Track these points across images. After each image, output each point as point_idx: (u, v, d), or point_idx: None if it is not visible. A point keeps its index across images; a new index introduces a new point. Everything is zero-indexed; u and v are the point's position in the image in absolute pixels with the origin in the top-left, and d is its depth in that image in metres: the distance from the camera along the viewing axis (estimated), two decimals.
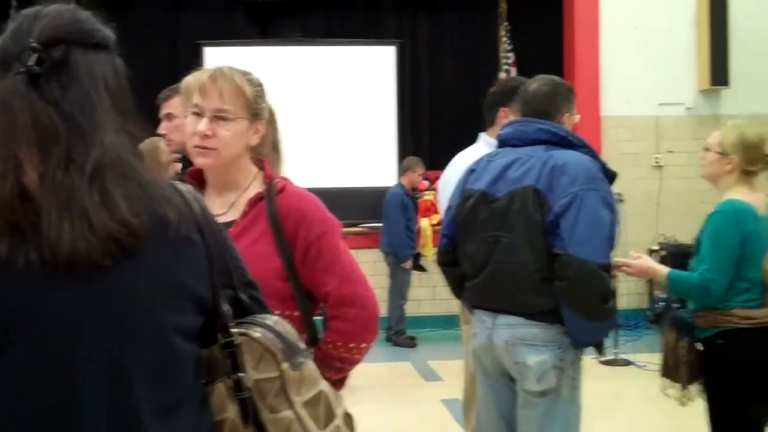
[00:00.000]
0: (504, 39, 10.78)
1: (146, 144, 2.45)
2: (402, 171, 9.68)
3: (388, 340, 9.44)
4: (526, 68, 8.67)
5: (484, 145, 4.13)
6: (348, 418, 1.61)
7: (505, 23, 10.77)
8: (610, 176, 3.39)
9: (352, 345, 2.38)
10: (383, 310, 9.41)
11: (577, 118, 3.52)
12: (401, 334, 9.49)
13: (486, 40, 10.99)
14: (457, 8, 11.15)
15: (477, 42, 11.10)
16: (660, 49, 10.56)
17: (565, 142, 3.38)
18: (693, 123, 10.62)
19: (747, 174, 3.79)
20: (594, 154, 3.40)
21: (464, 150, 4.30)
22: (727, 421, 3.69)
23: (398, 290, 9.45)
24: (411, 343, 9.43)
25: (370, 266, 8.81)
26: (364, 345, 2.41)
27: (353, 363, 2.42)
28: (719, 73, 10.43)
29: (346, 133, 10.65)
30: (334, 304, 2.38)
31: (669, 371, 3.85)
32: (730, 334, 3.62)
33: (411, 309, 9.71)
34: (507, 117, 4.03)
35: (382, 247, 9.43)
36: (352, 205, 10.25)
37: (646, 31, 10.57)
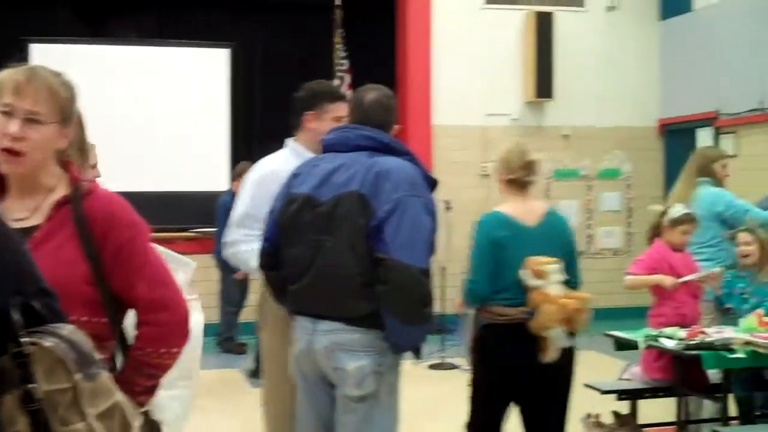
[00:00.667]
0: (338, 46, 10.82)
1: None
2: (234, 176, 9.55)
3: (218, 345, 9.31)
4: (360, 76, 8.74)
5: (290, 151, 4.09)
6: (151, 426, 1.56)
7: (340, 30, 10.81)
8: (432, 183, 3.44)
9: (163, 350, 2.34)
10: (214, 316, 9.29)
11: (397, 127, 3.59)
12: (231, 340, 9.38)
13: (321, 47, 11.00)
14: (293, 14, 11.13)
15: (312, 48, 11.10)
16: (488, 61, 10.88)
17: (388, 148, 3.43)
18: (518, 133, 10.96)
19: (514, 184, 4.24)
20: (416, 161, 3.45)
21: (270, 155, 4.24)
22: (473, 409, 4.46)
23: (227, 297, 9.34)
24: (241, 349, 9.34)
25: (202, 272, 8.58)
26: (175, 350, 2.36)
27: (165, 369, 2.37)
28: (543, 86, 10.83)
29: (178, 136, 10.46)
30: (144, 308, 2.33)
31: None
32: (489, 327, 4.18)
33: (250, 314, 9.59)
34: (311, 122, 4.02)
35: (214, 253, 9.28)
36: (185, 209, 10.09)
37: (475, 44, 10.87)
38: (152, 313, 2.33)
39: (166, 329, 2.35)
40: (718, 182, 6.19)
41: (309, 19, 11.12)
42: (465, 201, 10.44)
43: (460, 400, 7.27)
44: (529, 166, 4.29)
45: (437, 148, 10.77)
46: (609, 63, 11.29)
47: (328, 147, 3.52)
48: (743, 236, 5.55)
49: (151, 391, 2.36)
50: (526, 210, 4.26)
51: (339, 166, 3.38)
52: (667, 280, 5.30)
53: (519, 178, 4.26)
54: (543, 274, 4.05)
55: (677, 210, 5.50)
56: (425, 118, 10.72)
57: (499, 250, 4.15)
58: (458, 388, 7.70)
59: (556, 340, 4.06)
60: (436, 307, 9.11)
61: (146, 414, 2.30)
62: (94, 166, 3.18)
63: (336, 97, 4.07)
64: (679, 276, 5.34)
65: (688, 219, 5.48)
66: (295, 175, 3.52)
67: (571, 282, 4.20)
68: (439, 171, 10.55)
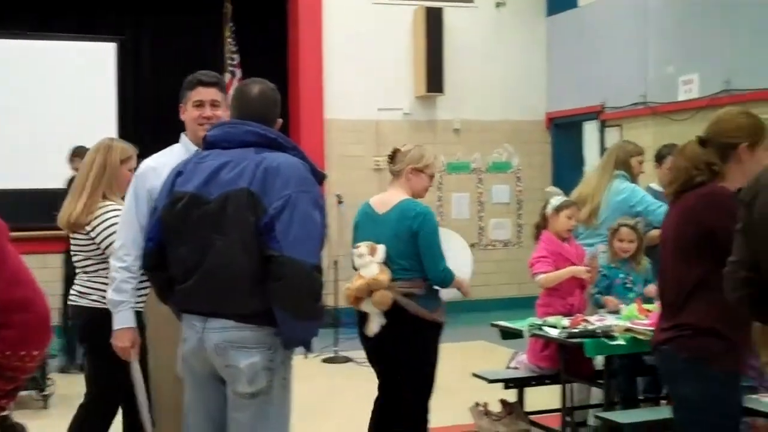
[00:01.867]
0: (229, 40, 10.72)
1: None
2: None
3: None
4: (251, 70, 8.68)
5: (181, 146, 4.07)
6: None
7: (231, 24, 10.72)
8: (319, 177, 3.45)
9: (23, 353, 2.26)
10: None
11: (280, 121, 3.56)
12: None
13: (212, 41, 10.89)
14: (183, 8, 10.97)
15: (203, 42, 10.98)
16: (380, 56, 10.95)
17: (275, 144, 3.41)
18: (410, 127, 11.09)
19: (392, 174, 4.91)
20: (303, 156, 3.45)
21: (161, 151, 4.20)
22: None
23: None
24: None
25: None
26: (36, 352, 2.29)
27: (26, 371, 2.30)
28: (434, 80, 10.95)
29: (64, 132, 10.19)
30: (1, 309, 2.25)
31: None
32: None
33: None
34: (183, 113, 4.04)
35: None
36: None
37: (367, 39, 10.92)
38: (8, 314, 2.26)
39: (25, 331, 2.27)
40: (633, 177, 6.36)
41: (199, 12, 10.98)
42: (358, 195, 10.42)
43: (354, 393, 7.35)
44: (391, 157, 4.87)
45: (330, 142, 10.80)
46: (498, 58, 11.50)
47: (213, 143, 3.48)
48: (626, 232, 5.64)
49: (11, 395, 2.28)
50: (380, 200, 4.90)
51: (226, 162, 3.35)
52: (582, 271, 5.43)
53: (391, 170, 4.90)
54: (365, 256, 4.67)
55: (558, 198, 5.66)
56: (317, 113, 10.73)
57: (355, 233, 5.00)
58: (353, 380, 7.79)
59: (371, 315, 4.63)
60: (330, 301, 9.24)
61: (5, 419, 2.23)
62: None
63: (194, 82, 4.00)
64: (573, 264, 5.50)
65: (569, 204, 5.64)
66: (178, 173, 3.47)
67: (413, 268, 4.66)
68: (332, 165, 10.59)
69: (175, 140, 4.13)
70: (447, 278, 4.70)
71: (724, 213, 3.21)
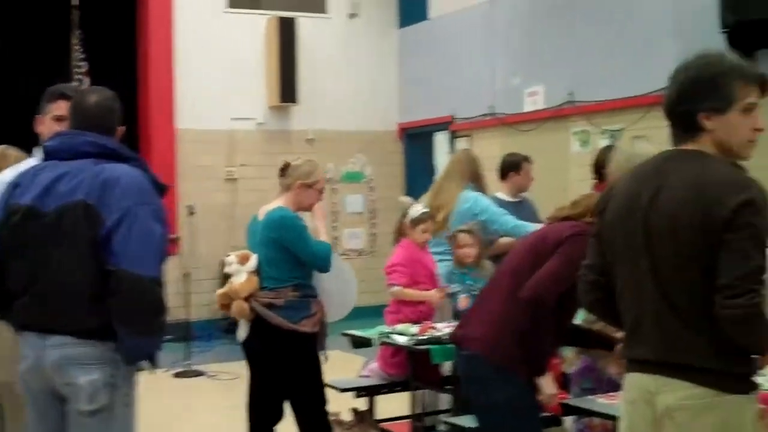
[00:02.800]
0: (77, 48, 10.42)
1: None
2: None
3: None
4: (100, 78, 8.47)
5: (35, 159, 3.94)
6: None
7: (78, 31, 10.42)
8: (161, 189, 3.40)
9: None
10: None
11: (121, 130, 3.49)
12: None
13: (59, 48, 10.55)
14: (29, 14, 10.61)
15: (50, 50, 10.63)
16: (232, 65, 10.86)
17: (115, 155, 3.33)
18: (264, 138, 11.05)
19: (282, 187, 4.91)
20: (145, 167, 3.38)
21: None
22: None
23: None
24: None
25: None
26: None
27: None
28: (288, 90, 10.94)
29: None
30: None
31: None
32: None
33: None
34: (39, 125, 3.92)
35: None
36: None
37: (218, 48, 10.82)
38: None
39: None
40: (480, 186, 6.48)
41: (46, 18, 10.63)
42: (210, 206, 10.40)
43: (207, 408, 7.28)
44: (282, 170, 4.92)
45: (181, 152, 10.63)
46: (351, 68, 11.58)
47: (50, 154, 3.38)
48: (463, 238, 5.74)
49: None
50: (266, 208, 4.87)
51: (63, 174, 3.26)
52: (435, 297, 5.50)
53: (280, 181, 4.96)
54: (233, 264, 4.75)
55: (416, 209, 5.74)
56: (168, 122, 10.55)
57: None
58: (206, 395, 7.70)
59: (240, 321, 4.76)
60: (182, 314, 9.06)
61: None
62: None
63: (54, 95, 3.88)
64: (431, 273, 5.58)
65: (426, 218, 5.73)
66: (15, 185, 3.37)
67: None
68: (184, 176, 10.45)
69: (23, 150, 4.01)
70: (323, 252, 4.73)
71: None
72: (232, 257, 4.76)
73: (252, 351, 4.84)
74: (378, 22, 11.83)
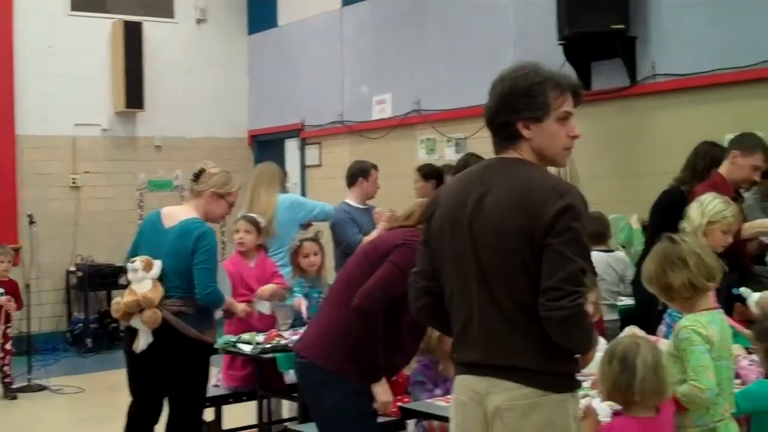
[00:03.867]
0: None
1: None
2: None
3: None
4: None
5: None
6: None
7: None
8: None
9: None
10: None
11: None
12: None
13: None
14: None
15: None
16: (76, 70, 10.56)
17: None
18: (109, 144, 10.82)
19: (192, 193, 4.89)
20: None
21: None
22: None
23: None
24: None
25: None
26: None
27: None
28: (134, 96, 10.72)
29: None
30: None
31: None
32: None
33: None
34: None
35: None
36: None
37: (62, 52, 10.49)
38: None
39: None
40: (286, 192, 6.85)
41: None
42: (52, 214, 10.08)
43: (51, 423, 7.07)
44: (197, 176, 4.85)
45: (22, 159, 10.26)
46: (200, 74, 11.44)
47: None
48: (310, 246, 5.73)
49: None
50: (173, 213, 4.79)
51: None
52: (239, 309, 5.28)
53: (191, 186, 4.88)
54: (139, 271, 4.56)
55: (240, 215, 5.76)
56: (8, 128, 10.16)
57: (137, 237, 4.87)
58: (49, 410, 7.46)
59: (140, 331, 4.55)
60: (23, 326, 8.75)
61: None
62: None
63: None
64: (249, 286, 5.55)
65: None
66: None
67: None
68: (25, 183, 10.12)
69: None
70: (215, 298, 4.68)
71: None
72: (139, 263, 4.57)
73: (150, 360, 4.61)
74: (227, 28, 11.73)
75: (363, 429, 3.62)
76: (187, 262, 4.61)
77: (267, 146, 11.70)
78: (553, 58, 7.51)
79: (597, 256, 5.46)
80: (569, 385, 2.76)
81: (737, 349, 3.81)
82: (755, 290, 4.32)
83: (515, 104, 2.76)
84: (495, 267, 2.71)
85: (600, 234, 5.83)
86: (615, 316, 5.63)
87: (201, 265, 4.60)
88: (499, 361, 2.73)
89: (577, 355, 2.78)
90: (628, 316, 5.57)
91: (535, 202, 2.65)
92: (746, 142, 5.15)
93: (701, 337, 3.04)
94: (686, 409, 3.06)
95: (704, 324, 3.08)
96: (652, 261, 3.25)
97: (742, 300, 4.38)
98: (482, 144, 7.86)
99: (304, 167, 11.00)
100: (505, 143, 2.81)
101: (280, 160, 11.68)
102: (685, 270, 3.11)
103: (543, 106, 2.75)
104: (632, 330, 4.19)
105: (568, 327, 2.62)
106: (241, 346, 5.13)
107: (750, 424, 3.42)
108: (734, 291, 4.30)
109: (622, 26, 7.25)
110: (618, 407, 3.09)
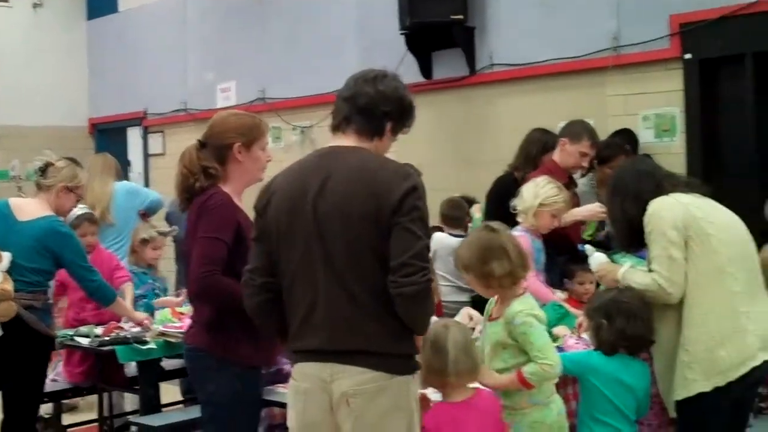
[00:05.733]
0: None
1: None
2: None
3: None
4: None
5: None
6: None
7: None
8: None
9: None
10: None
11: None
12: None
13: None
14: None
15: None
16: None
17: None
18: None
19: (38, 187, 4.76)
20: None
21: None
22: None
23: None
24: None
25: None
26: None
27: None
28: None
29: None
30: None
31: None
32: None
33: None
34: None
35: None
36: None
37: None
38: None
39: None
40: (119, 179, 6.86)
41: None
42: None
43: None
44: (43, 170, 4.76)
45: None
46: (37, 61, 11.03)
47: None
48: (160, 240, 5.68)
49: None
50: (24, 206, 4.68)
51: None
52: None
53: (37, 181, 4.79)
54: None
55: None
56: None
57: None
58: None
59: None
60: None
61: None
62: None
63: None
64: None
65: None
66: None
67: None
68: None
69: None
70: (106, 292, 4.74)
71: (211, 224, 3.38)
72: None
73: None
74: (64, 13, 11.36)
75: (246, 413, 3.54)
76: (46, 260, 4.57)
77: (108, 135, 11.41)
78: (395, 48, 7.64)
79: (454, 239, 5.62)
80: (412, 366, 2.84)
81: (564, 330, 4.00)
82: (582, 269, 4.50)
83: (399, 110, 2.92)
84: (341, 249, 2.75)
85: (458, 218, 6.02)
86: (464, 298, 5.70)
87: (78, 264, 4.63)
88: (345, 346, 2.76)
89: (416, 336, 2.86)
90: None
91: (380, 184, 2.73)
92: (574, 130, 5.37)
93: (537, 318, 3.16)
94: (532, 388, 3.15)
95: (533, 306, 3.20)
96: (469, 249, 3.31)
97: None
98: (328, 133, 7.95)
99: (147, 156, 10.79)
100: (365, 132, 2.89)
101: (123, 149, 11.43)
102: (506, 259, 3.21)
103: (408, 125, 2.98)
104: (466, 311, 4.33)
105: (419, 302, 2.71)
106: (78, 339, 5.00)
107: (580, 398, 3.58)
108: (579, 247, 4.44)
109: (461, 17, 7.40)
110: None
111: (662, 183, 3.52)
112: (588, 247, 3.89)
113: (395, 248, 2.69)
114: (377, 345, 2.75)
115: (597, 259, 3.74)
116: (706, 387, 3.25)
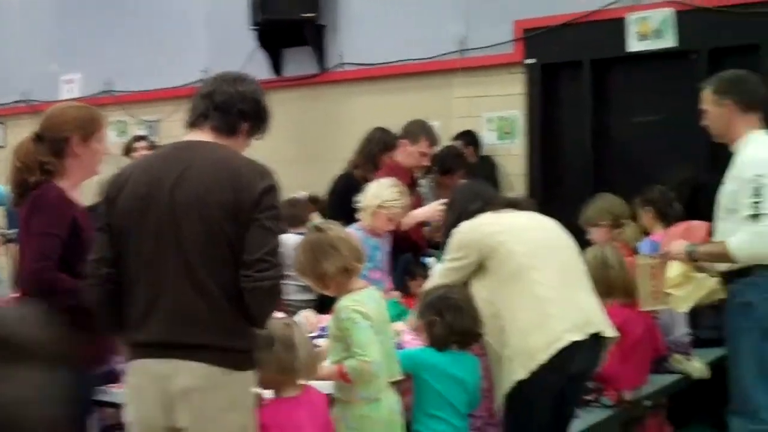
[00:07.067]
0: None
1: None
2: None
3: None
4: None
5: None
6: None
7: None
8: None
9: None
10: None
11: None
12: None
13: None
14: None
15: None
16: None
17: None
18: None
19: None
20: None
21: None
22: None
23: None
24: None
25: None
26: None
27: None
28: None
29: None
30: None
31: None
32: None
33: None
34: None
35: None
36: None
37: None
38: None
39: None
40: None
41: None
42: None
43: None
44: None
45: None
46: None
47: None
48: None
49: None
50: None
51: None
52: None
53: None
54: None
55: None
56: None
57: None
58: None
59: None
60: None
61: None
62: None
63: None
64: None
65: None
66: None
67: None
68: None
69: None
70: None
71: (44, 219, 3.27)
72: None
73: None
74: None
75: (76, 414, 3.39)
76: None
77: None
78: (245, 44, 7.59)
79: (294, 238, 5.57)
80: (251, 363, 2.83)
81: (402, 326, 4.05)
82: (425, 269, 4.60)
83: (256, 112, 2.96)
84: (196, 239, 2.73)
85: (297, 216, 5.98)
86: (309, 296, 5.66)
87: None
88: (188, 339, 2.73)
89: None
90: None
91: (242, 179, 2.76)
92: (412, 131, 5.45)
93: (362, 314, 3.17)
94: (352, 383, 3.17)
95: (362, 302, 3.22)
96: (303, 251, 3.32)
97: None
98: (177, 127, 7.79)
99: None
100: (222, 130, 2.90)
101: None
102: (336, 256, 3.23)
103: (262, 130, 3.03)
104: (305, 313, 4.35)
105: (271, 298, 2.76)
106: None
107: (413, 394, 3.62)
108: (422, 260, 4.67)
109: (312, 15, 7.42)
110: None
111: (487, 204, 3.78)
112: (429, 260, 4.04)
113: (251, 244, 2.70)
114: (221, 339, 2.72)
115: (436, 269, 3.91)
116: (523, 374, 3.36)
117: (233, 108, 2.90)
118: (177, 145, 2.95)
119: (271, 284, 2.71)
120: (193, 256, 2.72)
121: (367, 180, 4.99)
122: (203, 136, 2.89)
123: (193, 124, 2.93)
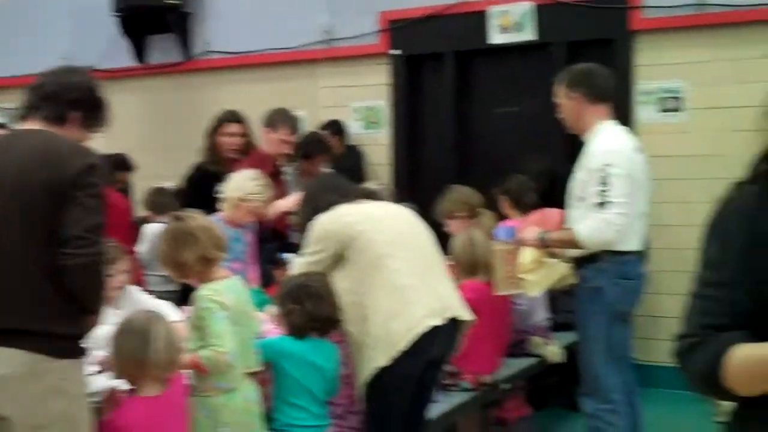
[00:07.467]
0: None
1: None
2: None
3: None
4: None
5: None
6: None
7: None
8: None
9: None
10: None
11: None
12: None
13: None
14: None
15: None
16: None
17: None
18: None
19: None
20: None
21: None
22: None
23: None
24: None
25: None
26: None
27: None
28: None
29: None
30: None
31: None
32: None
33: None
34: None
35: None
36: None
37: None
38: None
39: None
40: None
41: None
42: None
43: None
44: None
45: None
46: None
47: None
48: None
49: None
50: None
51: None
52: None
53: None
54: None
55: None
56: None
57: None
58: None
59: None
60: None
61: None
62: None
63: None
64: None
65: None
66: None
67: None
68: None
69: None
70: None
71: None
72: None
73: None
74: None
75: None
76: None
77: None
78: (109, 30, 7.43)
79: (159, 227, 5.50)
80: (78, 351, 2.78)
81: (262, 315, 4.05)
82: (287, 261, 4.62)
83: (89, 101, 2.96)
84: (13, 219, 2.70)
85: (163, 204, 5.90)
86: (172, 287, 5.58)
87: None
88: (4, 325, 2.67)
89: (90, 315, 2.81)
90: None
91: (59, 158, 2.75)
92: (273, 119, 5.49)
93: (218, 304, 3.16)
94: (207, 372, 3.16)
95: (221, 292, 3.21)
96: (163, 240, 3.32)
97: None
98: None
99: None
100: (50, 119, 2.88)
101: None
102: (196, 245, 3.22)
103: (100, 121, 3.03)
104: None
105: (90, 275, 2.72)
106: None
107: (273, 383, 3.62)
108: (279, 256, 4.67)
109: (177, 2, 7.32)
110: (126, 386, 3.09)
111: (342, 196, 3.79)
112: (286, 255, 4.05)
113: (69, 221, 2.69)
114: (41, 325, 2.68)
115: (294, 263, 3.94)
116: (384, 361, 3.40)
117: (63, 98, 2.90)
118: (10, 134, 2.98)
119: (88, 260, 2.69)
120: (12, 238, 2.69)
121: (217, 170, 5.00)
122: (34, 126, 2.89)
123: (25, 116, 2.93)
